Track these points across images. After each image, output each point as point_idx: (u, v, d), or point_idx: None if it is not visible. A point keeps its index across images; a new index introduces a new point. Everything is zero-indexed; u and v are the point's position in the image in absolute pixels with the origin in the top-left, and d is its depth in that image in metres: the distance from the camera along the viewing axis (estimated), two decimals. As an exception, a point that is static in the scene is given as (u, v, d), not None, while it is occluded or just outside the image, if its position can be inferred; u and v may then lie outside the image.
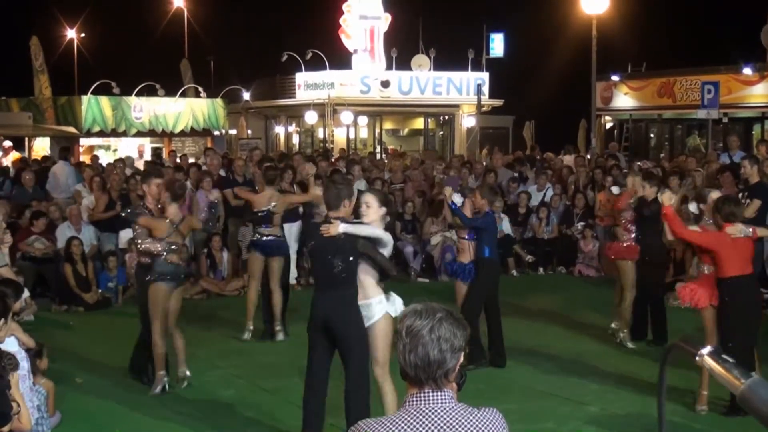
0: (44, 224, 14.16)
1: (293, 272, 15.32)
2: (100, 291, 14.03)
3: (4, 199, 15.08)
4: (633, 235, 11.18)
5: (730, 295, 8.37)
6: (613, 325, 11.61)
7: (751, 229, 8.54)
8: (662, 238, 10.33)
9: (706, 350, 2.49)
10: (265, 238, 11.51)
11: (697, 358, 2.51)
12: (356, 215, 7.54)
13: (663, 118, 33.89)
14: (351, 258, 7.16)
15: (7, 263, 8.36)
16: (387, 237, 7.35)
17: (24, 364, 6.70)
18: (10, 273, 8.18)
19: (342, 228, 7.09)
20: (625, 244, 11.25)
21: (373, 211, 7.40)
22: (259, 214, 11.51)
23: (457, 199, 9.70)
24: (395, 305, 7.41)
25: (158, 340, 9.17)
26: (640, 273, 11.14)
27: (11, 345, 6.65)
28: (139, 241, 9.34)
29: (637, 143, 34.78)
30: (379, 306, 7.34)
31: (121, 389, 9.54)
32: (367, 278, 7.34)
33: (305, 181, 15.55)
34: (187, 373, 9.53)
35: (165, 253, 9.10)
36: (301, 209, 15.09)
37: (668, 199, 9.15)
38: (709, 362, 2.47)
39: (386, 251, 7.33)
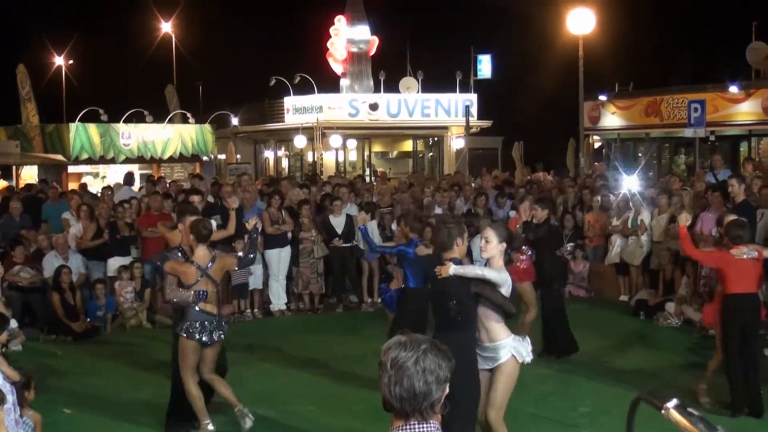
0: (22, 253, 14.04)
1: (282, 298, 15.30)
2: (88, 320, 13.94)
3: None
4: (525, 257, 11.99)
5: (732, 309, 9.02)
6: None
7: (756, 252, 9.08)
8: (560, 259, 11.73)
9: (672, 404, 2.48)
10: None
11: (662, 411, 2.50)
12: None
13: (651, 137, 33.97)
14: (465, 300, 6.95)
15: (-6, 295, 8.30)
16: (500, 277, 7.03)
17: (9, 397, 6.63)
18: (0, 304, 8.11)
19: (452, 270, 6.89)
20: (522, 266, 11.93)
21: (492, 246, 7.12)
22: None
23: (371, 225, 9.64)
24: (524, 349, 7.18)
25: (193, 391, 8.48)
26: (538, 293, 11.95)
27: (-4, 378, 6.61)
28: (168, 291, 8.66)
29: (626, 162, 34.84)
30: (505, 349, 7.12)
31: (110, 419, 9.46)
32: (490, 321, 7.10)
33: (293, 206, 15.56)
34: (245, 410, 8.69)
35: (194, 303, 8.38)
36: (290, 235, 15.08)
37: (684, 219, 9.66)
38: (675, 416, 2.47)
39: (504, 290, 7.06)
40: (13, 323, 12.72)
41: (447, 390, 3.01)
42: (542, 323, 11.77)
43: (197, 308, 8.38)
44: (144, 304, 14.41)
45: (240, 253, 9.03)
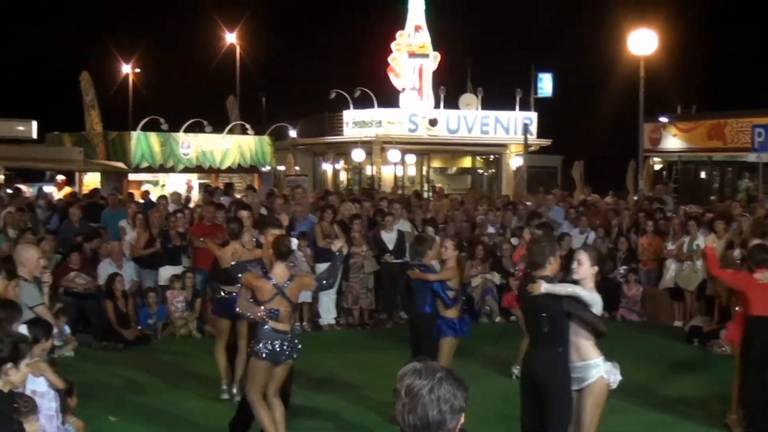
0: (78, 260, 14.28)
1: (332, 312, 15.30)
2: (139, 327, 14.09)
3: (51, 234, 15.15)
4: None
5: (753, 331, 9.12)
6: (514, 370, 11.42)
7: None
8: None
9: None
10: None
11: None
12: (567, 271, 7.58)
13: (713, 160, 33.47)
14: (555, 317, 7.17)
15: (43, 302, 8.37)
16: (592, 297, 7.23)
17: (52, 404, 6.73)
18: (46, 311, 8.19)
19: (544, 288, 7.15)
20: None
21: (584, 269, 7.36)
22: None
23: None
24: (613, 372, 7.32)
25: (262, 413, 8.23)
26: None
27: (41, 385, 6.71)
28: (241, 304, 8.42)
29: (686, 186, 34.37)
30: (596, 369, 7.26)
31: (154, 429, 9.53)
32: (580, 339, 7.26)
33: (345, 221, 15.59)
34: None
35: (264, 322, 8.15)
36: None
37: (711, 240, 10.28)
38: None
39: (596, 309, 7.26)
40: (67, 329, 12.94)
41: (462, 420, 2.97)
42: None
43: (266, 327, 8.17)
44: (194, 314, 14.51)
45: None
